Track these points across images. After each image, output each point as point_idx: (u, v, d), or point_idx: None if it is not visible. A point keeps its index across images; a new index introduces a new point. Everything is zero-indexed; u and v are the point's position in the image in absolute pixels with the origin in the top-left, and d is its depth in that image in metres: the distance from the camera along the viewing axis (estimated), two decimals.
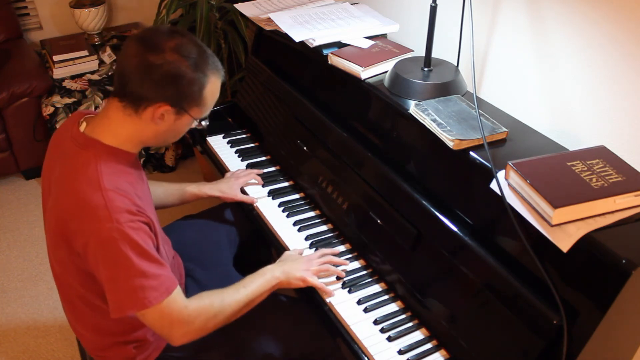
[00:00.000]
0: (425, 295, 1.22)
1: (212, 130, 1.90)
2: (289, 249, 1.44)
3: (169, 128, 1.16)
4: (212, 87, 1.15)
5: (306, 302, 1.37)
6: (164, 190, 1.55)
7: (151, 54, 1.07)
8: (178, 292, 1.13)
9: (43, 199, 1.23)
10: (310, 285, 1.30)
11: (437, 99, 1.36)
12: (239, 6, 1.93)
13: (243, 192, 1.63)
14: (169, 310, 1.10)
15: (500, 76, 1.51)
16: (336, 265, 1.35)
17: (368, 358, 1.17)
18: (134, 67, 1.08)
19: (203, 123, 1.21)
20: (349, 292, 1.30)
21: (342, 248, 1.43)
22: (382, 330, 1.21)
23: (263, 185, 1.65)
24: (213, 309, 1.17)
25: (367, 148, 1.45)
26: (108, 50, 2.83)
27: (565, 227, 0.99)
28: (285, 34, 1.65)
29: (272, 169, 1.74)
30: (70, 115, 1.27)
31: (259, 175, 1.68)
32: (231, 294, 1.22)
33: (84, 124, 1.18)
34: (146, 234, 1.10)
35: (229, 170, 1.72)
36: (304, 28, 1.67)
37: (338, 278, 1.33)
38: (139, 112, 1.11)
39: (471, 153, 1.21)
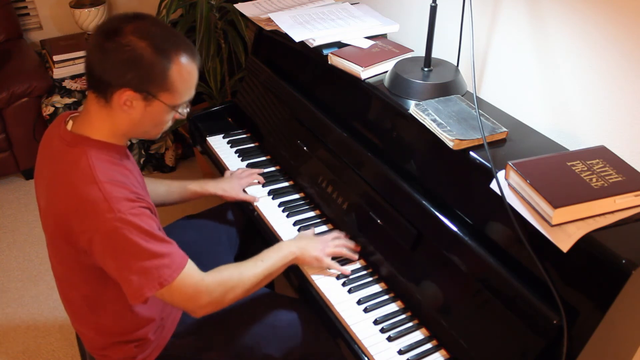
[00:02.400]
0: (426, 295, 1.22)
1: (212, 130, 1.90)
2: None
3: (142, 116, 1.12)
4: (180, 70, 1.10)
5: (306, 302, 1.37)
6: (166, 189, 1.55)
7: (109, 40, 1.06)
8: (191, 266, 1.14)
9: (37, 200, 1.23)
10: (324, 265, 1.34)
11: (437, 99, 1.36)
12: (239, 6, 1.93)
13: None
14: (185, 284, 1.12)
15: (500, 76, 1.51)
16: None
17: (368, 358, 1.17)
18: (94, 56, 1.08)
19: (181, 111, 1.17)
20: (349, 292, 1.30)
21: None
22: (382, 330, 1.21)
23: (263, 185, 1.65)
24: (232, 281, 1.20)
25: (367, 148, 1.45)
26: None
27: (565, 227, 0.99)
28: (285, 34, 1.65)
29: (272, 169, 1.74)
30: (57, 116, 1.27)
31: (259, 174, 1.68)
32: (249, 267, 1.24)
33: (70, 122, 1.18)
34: (148, 217, 1.10)
35: (229, 170, 1.73)
36: (304, 28, 1.67)
37: (339, 275, 1.33)
38: (109, 101, 1.11)
39: (471, 153, 1.21)
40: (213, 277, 1.17)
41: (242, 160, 1.77)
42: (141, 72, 1.07)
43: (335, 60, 1.57)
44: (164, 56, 1.08)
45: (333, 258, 1.37)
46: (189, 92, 1.16)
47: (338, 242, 1.38)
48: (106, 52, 1.07)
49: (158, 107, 1.12)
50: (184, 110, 1.19)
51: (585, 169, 1.07)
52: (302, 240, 1.37)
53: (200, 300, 1.15)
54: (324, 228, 1.50)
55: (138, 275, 1.08)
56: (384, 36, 1.70)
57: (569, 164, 1.09)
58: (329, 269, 1.35)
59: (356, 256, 1.38)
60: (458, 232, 1.18)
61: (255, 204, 1.60)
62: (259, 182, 1.66)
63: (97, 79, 1.10)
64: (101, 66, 1.08)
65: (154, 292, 1.09)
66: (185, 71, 1.12)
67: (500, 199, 1.09)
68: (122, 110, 1.11)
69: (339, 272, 1.35)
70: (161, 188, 1.53)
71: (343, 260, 1.38)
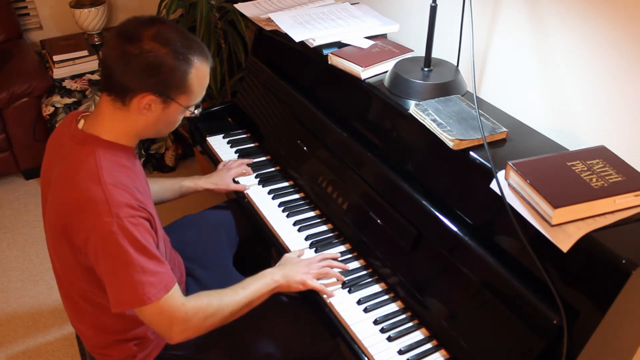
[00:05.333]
0: (425, 295, 1.22)
1: (212, 130, 1.90)
2: (289, 249, 1.44)
3: (158, 118, 1.14)
4: (198, 73, 1.13)
5: (306, 302, 1.37)
6: (160, 186, 1.56)
7: (129, 45, 1.07)
8: (176, 290, 1.13)
9: (42, 198, 1.23)
10: (310, 288, 1.30)
11: (437, 99, 1.36)
12: (239, 6, 1.93)
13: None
14: (167, 307, 1.11)
15: (500, 76, 1.51)
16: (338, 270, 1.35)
17: (368, 358, 1.17)
18: (114, 60, 1.08)
19: (195, 111, 1.20)
20: (349, 292, 1.30)
21: (342, 248, 1.43)
22: (382, 330, 1.21)
23: (263, 186, 1.65)
24: (211, 309, 1.17)
25: (367, 148, 1.45)
26: None
27: (565, 227, 0.99)
28: (285, 34, 1.65)
29: (272, 169, 1.74)
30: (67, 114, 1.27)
31: (248, 165, 1.72)
32: (230, 294, 1.22)
33: (82, 121, 1.19)
34: (146, 230, 1.10)
35: (222, 162, 1.75)
36: (304, 28, 1.67)
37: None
38: (126, 104, 1.11)
39: (471, 153, 1.21)
40: (193, 303, 1.15)
41: None
42: (163, 77, 1.09)
43: (335, 60, 1.57)
44: (184, 61, 1.10)
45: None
46: (203, 93, 1.19)
47: (324, 263, 1.34)
48: (127, 57, 1.07)
49: (174, 109, 1.15)
50: (197, 110, 1.21)
51: (585, 169, 1.07)
52: (286, 266, 1.33)
53: (177, 326, 1.13)
54: (323, 228, 1.50)
55: (122, 286, 1.08)
56: (384, 36, 1.70)
57: (569, 164, 1.09)
58: (318, 291, 1.30)
59: (343, 278, 1.32)
60: (458, 232, 1.18)
61: (246, 192, 1.62)
62: (247, 173, 1.69)
63: (116, 83, 1.10)
64: (122, 71, 1.08)
65: (133, 307, 1.09)
66: (201, 74, 1.14)
67: (500, 199, 1.09)
68: (141, 113, 1.12)
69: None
70: (155, 186, 1.54)
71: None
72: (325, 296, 1.30)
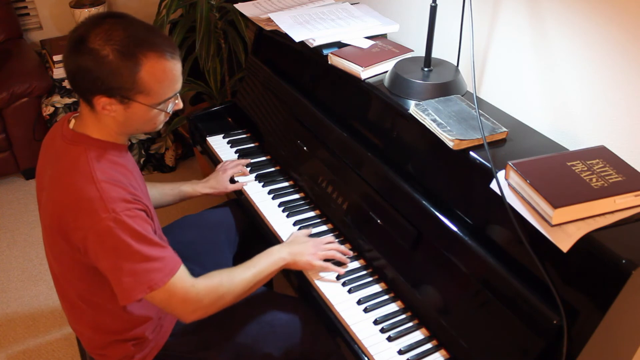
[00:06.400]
0: (425, 295, 1.22)
1: (212, 130, 1.90)
2: None
3: (126, 117, 1.12)
4: (152, 70, 1.07)
5: (306, 301, 1.37)
6: (159, 191, 1.57)
7: (76, 49, 1.06)
8: (183, 271, 1.14)
9: (38, 199, 1.24)
10: (316, 268, 1.33)
11: (437, 99, 1.36)
12: (239, 6, 1.93)
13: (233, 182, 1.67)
14: (175, 289, 1.12)
15: (500, 76, 1.51)
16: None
17: (368, 358, 1.17)
18: (68, 65, 1.09)
19: (168, 109, 1.15)
20: (349, 292, 1.30)
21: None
22: (382, 330, 1.21)
23: (263, 186, 1.65)
24: (222, 288, 1.19)
25: (367, 148, 1.45)
26: None
27: (565, 227, 0.99)
28: (285, 34, 1.65)
29: (272, 169, 1.74)
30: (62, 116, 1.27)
31: (246, 165, 1.72)
32: (240, 273, 1.24)
33: (72, 121, 1.19)
34: (143, 220, 1.11)
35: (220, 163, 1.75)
36: (304, 28, 1.67)
37: (338, 276, 1.34)
38: (92, 107, 1.11)
39: (471, 153, 1.21)
40: (204, 284, 1.17)
41: None
42: (108, 79, 1.05)
43: (335, 60, 1.57)
44: (130, 60, 1.05)
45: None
46: (169, 89, 1.13)
47: (331, 246, 1.38)
48: (74, 62, 1.07)
49: (138, 108, 1.11)
50: (171, 107, 1.17)
51: (585, 169, 1.07)
52: (294, 245, 1.36)
53: (190, 306, 1.16)
54: (323, 228, 1.50)
55: (128, 277, 1.08)
56: (384, 36, 1.70)
57: (569, 164, 1.09)
58: (322, 271, 1.34)
59: (348, 260, 1.37)
60: (458, 232, 1.18)
61: (246, 192, 1.62)
62: (243, 174, 1.69)
63: (75, 86, 1.11)
64: (73, 75, 1.08)
65: (143, 295, 1.10)
66: (158, 70, 1.08)
67: (500, 199, 1.09)
68: (104, 114, 1.11)
69: (335, 272, 1.35)
70: (153, 191, 1.54)
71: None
72: (322, 279, 1.32)
